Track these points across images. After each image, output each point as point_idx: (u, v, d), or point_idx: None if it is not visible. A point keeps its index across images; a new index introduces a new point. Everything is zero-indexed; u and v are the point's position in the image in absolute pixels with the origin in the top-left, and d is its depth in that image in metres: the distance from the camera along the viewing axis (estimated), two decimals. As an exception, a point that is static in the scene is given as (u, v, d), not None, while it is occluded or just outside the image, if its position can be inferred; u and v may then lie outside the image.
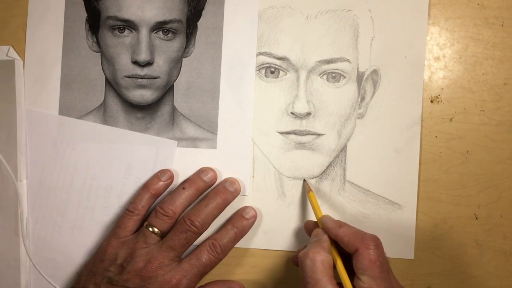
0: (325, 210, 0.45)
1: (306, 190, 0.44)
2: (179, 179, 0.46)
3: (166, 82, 0.46)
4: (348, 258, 0.38)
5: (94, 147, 0.46)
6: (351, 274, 0.37)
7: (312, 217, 0.45)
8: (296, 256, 0.42)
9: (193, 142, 0.46)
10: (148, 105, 0.46)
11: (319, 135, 0.45)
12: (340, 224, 0.39)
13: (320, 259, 0.37)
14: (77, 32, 0.47)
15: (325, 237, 0.39)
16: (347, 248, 0.38)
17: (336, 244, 0.39)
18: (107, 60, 0.46)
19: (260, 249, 0.46)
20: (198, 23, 0.46)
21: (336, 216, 0.44)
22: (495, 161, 0.45)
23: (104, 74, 0.47)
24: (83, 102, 0.47)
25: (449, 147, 0.45)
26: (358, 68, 0.45)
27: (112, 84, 0.46)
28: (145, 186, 0.44)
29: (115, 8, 0.46)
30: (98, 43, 0.47)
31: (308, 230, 0.43)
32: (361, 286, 0.36)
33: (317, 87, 0.45)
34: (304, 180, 0.45)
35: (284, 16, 0.45)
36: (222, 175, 0.46)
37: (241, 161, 0.46)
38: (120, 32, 0.46)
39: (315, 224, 0.42)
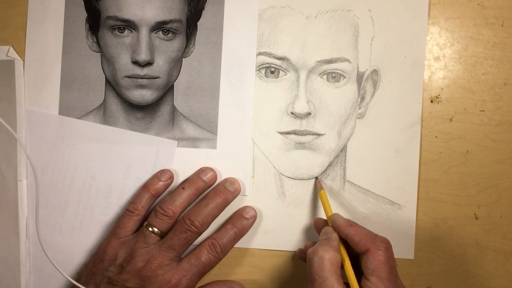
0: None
1: (317, 188, 0.44)
2: (179, 179, 0.46)
3: (166, 82, 0.46)
4: (355, 259, 0.38)
5: (94, 147, 0.46)
6: (358, 275, 0.37)
7: (310, 218, 0.45)
8: (303, 251, 0.42)
9: (193, 142, 0.46)
10: (148, 105, 0.46)
11: (319, 135, 0.45)
12: (351, 223, 0.39)
13: (329, 257, 0.37)
14: (77, 32, 0.47)
15: (335, 236, 0.39)
16: (357, 248, 0.38)
17: (344, 244, 0.39)
18: (107, 60, 0.46)
19: (260, 249, 0.46)
20: (198, 23, 0.46)
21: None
22: (495, 161, 0.45)
23: (104, 74, 0.47)
24: (83, 102, 0.47)
25: (449, 147, 0.45)
26: (358, 68, 0.45)
27: (112, 84, 0.46)
28: (145, 186, 0.44)
29: (115, 8, 0.46)
30: (98, 43, 0.47)
31: (317, 228, 0.43)
32: (368, 286, 0.36)
33: (317, 87, 0.45)
34: (316, 178, 0.45)
35: (284, 16, 0.45)
36: (222, 175, 0.46)
37: (241, 161, 0.46)
38: (120, 32, 0.46)
39: (325, 222, 0.42)
